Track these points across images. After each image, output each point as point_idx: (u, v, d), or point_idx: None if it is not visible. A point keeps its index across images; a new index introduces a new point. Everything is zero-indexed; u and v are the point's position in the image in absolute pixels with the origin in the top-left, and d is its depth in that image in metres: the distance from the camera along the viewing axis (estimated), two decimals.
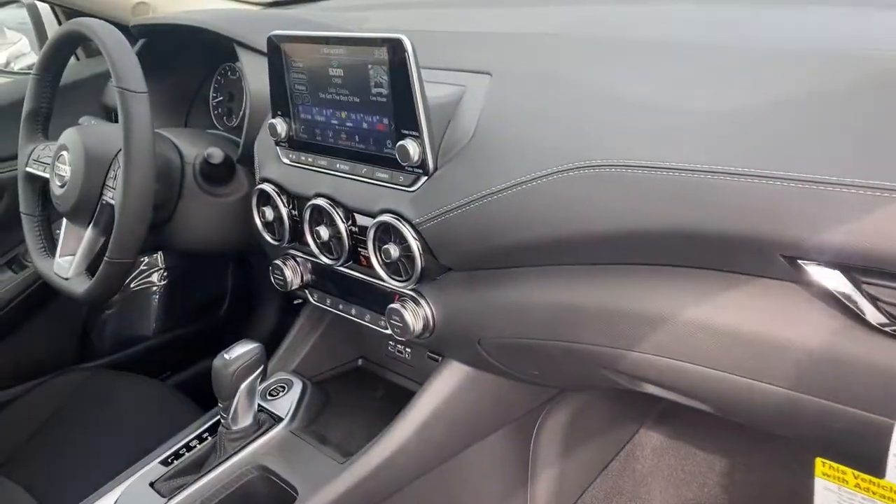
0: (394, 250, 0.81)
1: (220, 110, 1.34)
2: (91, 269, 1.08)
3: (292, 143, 0.95)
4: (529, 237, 0.72)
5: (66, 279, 1.08)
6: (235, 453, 0.93)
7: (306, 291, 1.03)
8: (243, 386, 0.92)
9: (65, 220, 1.13)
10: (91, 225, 1.06)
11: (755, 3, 0.85)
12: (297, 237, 0.97)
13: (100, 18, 1.13)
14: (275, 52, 0.90)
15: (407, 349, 1.08)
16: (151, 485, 0.94)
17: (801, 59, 0.65)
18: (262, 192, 0.98)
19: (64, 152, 1.07)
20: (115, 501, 0.92)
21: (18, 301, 1.40)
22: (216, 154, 1.04)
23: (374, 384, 1.12)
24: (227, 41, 1.11)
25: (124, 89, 0.95)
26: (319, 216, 0.91)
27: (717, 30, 0.78)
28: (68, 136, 1.07)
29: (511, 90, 0.80)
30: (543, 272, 0.77)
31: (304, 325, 1.12)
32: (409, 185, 0.81)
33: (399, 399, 1.07)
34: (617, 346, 0.73)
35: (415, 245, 0.79)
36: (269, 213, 0.97)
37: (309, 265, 1.01)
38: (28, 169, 1.17)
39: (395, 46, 0.75)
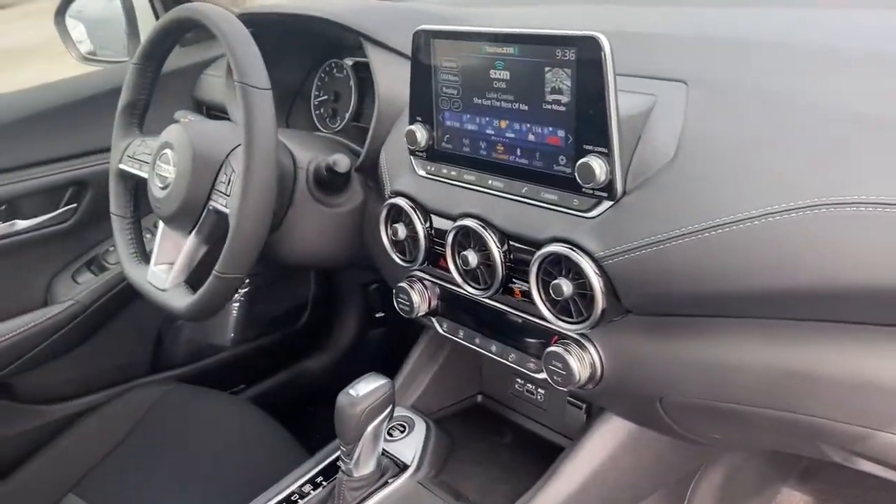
0: (566, 287, 0.69)
1: (322, 111, 1.24)
2: (191, 281, 0.98)
3: (432, 154, 0.83)
4: (754, 284, 0.60)
5: (164, 290, 0.98)
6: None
7: (433, 319, 0.91)
8: (370, 428, 0.80)
9: (162, 225, 1.03)
10: (194, 232, 0.96)
11: None
12: (433, 260, 0.85)
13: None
14: (422, 49, 0.79)
15: (540, 389, 0.96)
16: None
17: None
18: (395, 206, 0.86)
19: (168, 151, 0.97)
20: None
21: (97, 306, 1.31)
22: (342, 162, 0.93)
23: (498, 427, 1.00)
24: (353, 35, 1.00)
25: (247, 84, 0.85)
26: (466, 239, 0.79)
27: None
28: (173, 133, 0.97)
29: (719, 104, 0.67)
30: (757, 325, 0.64)
31: (422, 355, 1.01)
32: (587, 211, 0.69)
33: (532, 447, 0.95)
34: (854, 421, 0.60)
35: (597, 283, 0.67)
36: (402, 231, 0.86)
37: (438, 289, 0.89)
38: (122, 166, 1.07)
39: (588, 46, 0.63)
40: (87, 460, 1.15)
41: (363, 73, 1.14)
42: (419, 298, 0.89)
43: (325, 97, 1.23)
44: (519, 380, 0.98)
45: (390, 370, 0.92)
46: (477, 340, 0.86)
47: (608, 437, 0.79)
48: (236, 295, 1.52)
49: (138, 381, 1.39)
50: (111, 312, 1.35)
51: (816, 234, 0.56)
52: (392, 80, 0.94)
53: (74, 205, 1.31)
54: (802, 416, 0.63)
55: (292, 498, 0.86)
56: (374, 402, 0.79)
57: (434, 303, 0.90)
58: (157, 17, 1.38)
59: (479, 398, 1.05)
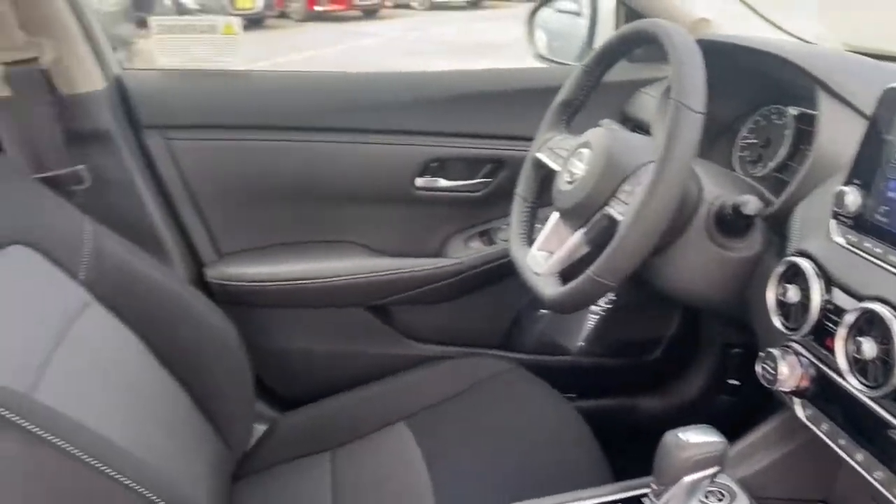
0: None
1: (747, 153, 1.18)
2: (564, 273, 1.01)
3: (860, 223, 0.74)
4: None
5: (537, 274, 1.04)
6: None
7: (796, 400, 0.82)
8: (689, 479, 0.75)
9: (555, 217, 1.09)
10: (582, 231, 0.99)
11: None
12: (818, 336, 0.76)
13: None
14: (888, 109, 0.71)
15: None
16: None
17: None
18: (795, 266, 0.79)
19: (585, 150, 1.01)
20: None
21: (476, 271, 1.43)
22: (752, 204, 0.88)
23: None
24: (807, 82, 0.93)
25: (683, 104, 0.84)
26: (868, 326, 0.69)
27: None
28: (595, 135, 1.01)
29: None
30: None
31: (771, 433, 0.92)
32: None
33: None
34: None
35: None
36: (793, 294, 0.78)
37: (813, 370, 0.80)
38: (539, 154, 1.15)
39: None
40: (423, 400, 1.27)
41: (804, 125, 1.06)
42: (788, 372, 0.80)
43: (755, 141, 1.17)
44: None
45: (727, 435, 0.86)
46: (842, 442, 0.75)
47: None
48: (597, 308, 1.54)
49: (485, 351, 1.49)
50: (485, 281, 1.47)
51: None
52: (837, 136, 0.86)
53: (489, 179, 1.44)
54: None
55: None
56: (701, 455, 0.74)
57: (804, 383, 0.81)
58: None
59: None
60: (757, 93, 1.17)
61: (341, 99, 1.44)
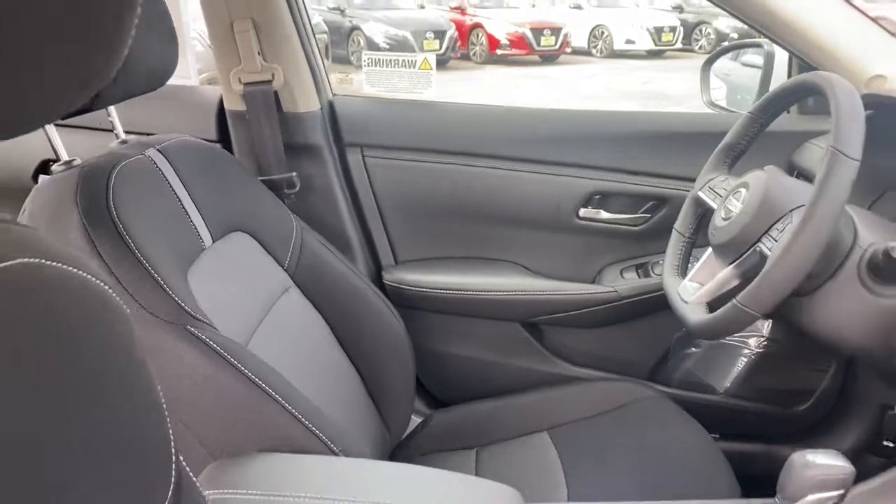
0: None
1: None
2: (712, 304, 1.08)
3: None
4: None
5: (686, 302, 1.11)
6: None
7: None
8: (810, 498, 0.80)
9: (709, 251, 1.15)
10: (734, 265, 1.06)
11: None
12: None
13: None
14: None
15: None
16: None
17: None
18: None
19: (743, 190, 1.08)
20: None
21: (630, 301, 1.51)
22: None
23: None
24: None
25: (839, 151, 0.90)
26: None
27: None
28: (754, 177, 1.08)
29: None
30: None
31: None
32: None
33: None
34: None
35: None
36: None
37: None
38: (700, 193, 1.22)
39: None
40: (567, 414, 1.36)
41: None
42: None
43: None
44: None
45: None
46: None
47: None
48: (749, 351, 1.56)
49: (632, 379, 1.56)
50: (638, 312, 1.54)
51: None
52: None
53: (649, 215, 1.52)
54: None
55: None
56: (827, 475, 0.79)
57: None
58: None
59: None
60: None
61: (516, 131, 1.58)
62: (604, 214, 1.55)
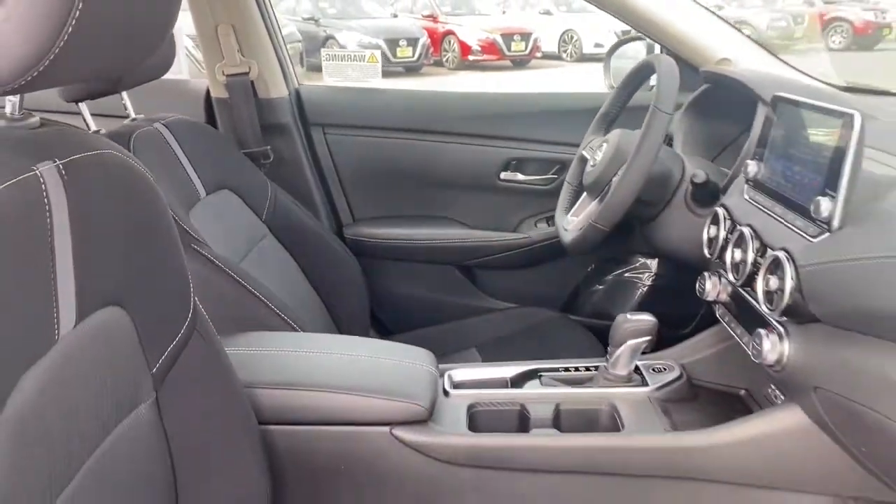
0: (773, 282, 0.94)
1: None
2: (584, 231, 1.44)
3: (756, 184, 1.13)
4: None
5: (566, 230, 1.47)
6: (602, 387, 1.19)
7: (716, 307, 1.20)
8: (629, 342, 1.16)
9: (584, 193, 1.51)
10: (598, 200, 1.41)
11: None
12: (721, 256, 1.14)
13: (683, 60, 1.47)
14: (773, 108, 1.10)
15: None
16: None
17: None
18: (715, 213, 1.18)
19: (605, 144, 1.44)
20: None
21: (540, 245, 1.88)
22: (699, 175, 1.27)
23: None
24: (756, 96, 1.32)
25: (657, 108, 1.25)
26: (740, 241, 1.07)
27: None
28: (613, 134, 1.44)
29: None
30: None
31: (711, 336, 1.29)
32: (813, 236, 0.92)
33: None
34: None
35: (789, 282, 0.91)
36: (713, 232, 1.17)
37: (730, 288, 1.18)
38: (583, 151, 1.58)
39: (848, 121, 0.88)
40: (491, 334, 1.72)
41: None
42: (711, 287, 1.18)
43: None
44: (772, 385, 1.19)
45: None
46: (727, 319, 1.13)
47: (782, 417, 0.99)
48: (642, 285, 1.92)
49: (547, 311, 1.91)
50: (550, 255, 1.90)
51: None
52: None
53: (556, 176, 1.89)
54: None
55: (568, 368, 1.27)
56: (637, 326, 1.15)
57: (723, 296, 1.19)
58: None
59: (742, 392, 1.27)
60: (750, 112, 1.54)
61: (447, 110, 1.96)
62: (520, 177, 1.92)
